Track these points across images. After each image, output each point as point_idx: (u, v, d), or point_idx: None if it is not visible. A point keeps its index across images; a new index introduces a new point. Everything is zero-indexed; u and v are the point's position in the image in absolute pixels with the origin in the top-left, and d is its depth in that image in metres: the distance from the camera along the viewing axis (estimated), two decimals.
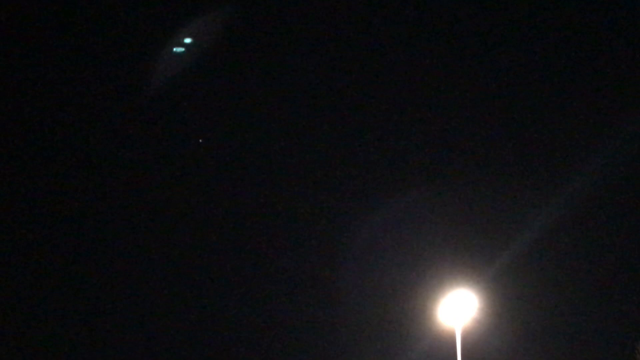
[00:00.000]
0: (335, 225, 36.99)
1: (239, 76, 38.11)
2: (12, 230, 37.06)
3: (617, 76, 37.12)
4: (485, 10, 37.89)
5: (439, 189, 36.42)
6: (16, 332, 34.64)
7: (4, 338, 34.19)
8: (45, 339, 34.91)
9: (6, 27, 37.60)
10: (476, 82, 38.11)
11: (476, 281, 29.06)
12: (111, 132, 38.16)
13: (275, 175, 38.18)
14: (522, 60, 38.04)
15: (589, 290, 34.26)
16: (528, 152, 37.40)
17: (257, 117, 37.94)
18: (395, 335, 33.56)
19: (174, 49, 36.63)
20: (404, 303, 33.29)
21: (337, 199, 37.46)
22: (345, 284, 34.95)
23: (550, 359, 32.28)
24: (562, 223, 35.29)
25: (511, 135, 37.77)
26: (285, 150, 38.22)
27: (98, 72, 38.08)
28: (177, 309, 36.35)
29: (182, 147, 38.17)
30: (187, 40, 36.59)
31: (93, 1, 37.96)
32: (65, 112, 38.27)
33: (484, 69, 38.15)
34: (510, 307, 32.80)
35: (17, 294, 35.79)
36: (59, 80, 38.20)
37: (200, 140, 37.96)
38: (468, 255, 33.60)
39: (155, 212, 37.64)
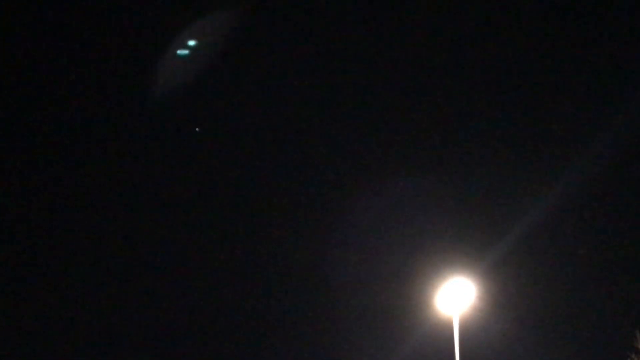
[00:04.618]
0: (331, 214, 37.06)
1: (244, 78, 38.18)
2: (13, 227, 37.31)
3: (612, 69, 37.20)
4: (479, 5, 37.98)
5: (436, 176, 36.47)
6: (16, 332, 34.78)
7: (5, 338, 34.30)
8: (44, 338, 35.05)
9: (7, 29, 37.61)
10: (473, 72, 38.17)
11: (474, 269, 28.99)
12: (114, 133, 38.34)
13: (271, 165, 38.32)
14: (517, 52, 38.08)
15: (588, 277, 34.32)
16: (526, 139, 37.44)
17: (261, 114, 38.12)
18: (393, 324, 33.61)
19: (178, 52, 36.47)
20: (401, 291, 33.30)
21: (333, 187, 37.56)
22: (342, 273, 34.95)
23: (549, 347, 32.32)
24: (560, 211, 35.33)
25: (508, 124, 37.81)
26: (283, 141, 38.38)
27: (101, 73, 38.17)
28: (169, 299, 36.50)
29: (185, 147, 38.39)
30: (191, 43, 36.42)
31: (96, 2, 37.88)
32: (67, 114, 38.39)
33: (480, 60, 38.17)
34: (508, 295, 32.84)
35: (16, 293, 35.97)
36: (61, 82, 38.33)
37: (197, 129, 38.07)
38: (466, 243, 33.63)
39: (151, 208, 37.93)
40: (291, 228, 37.22)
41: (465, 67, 38.09)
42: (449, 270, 27.43)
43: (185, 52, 36.31)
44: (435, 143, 37.55)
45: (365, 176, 37.46)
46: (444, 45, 38.12)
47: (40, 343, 34.68)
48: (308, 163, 38.04)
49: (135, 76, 37.57)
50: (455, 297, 26.40)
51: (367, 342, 33.86)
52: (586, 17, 37.44)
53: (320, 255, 35.96)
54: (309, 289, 35.71)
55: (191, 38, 36.33)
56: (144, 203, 38.10)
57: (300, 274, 36.13)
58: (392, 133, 38.05)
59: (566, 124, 37.08)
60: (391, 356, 33.16)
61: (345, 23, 38.20)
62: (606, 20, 37.23)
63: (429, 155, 37.36)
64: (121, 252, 37.45)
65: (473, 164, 36.77)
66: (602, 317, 33.02)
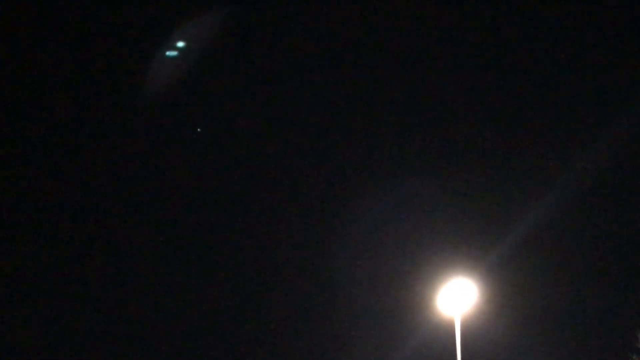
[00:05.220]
0: (332, 215, 37.02)
1: (233, 80, 38.18)
2: (13, 228, 37.32)
3: (613, 70, 37.20)
4: (480, 6, 37.98)
5: (438, 177, 36.45)
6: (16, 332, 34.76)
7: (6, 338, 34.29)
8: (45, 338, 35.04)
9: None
10: (473, 73, 38.17)
11: (475, 269, 28.98)
12: (104, 134, 38.33)
13: (272, 166, 38.31)
14: (518, 53, 38.11)
15: (589, 277, 34.28)
16: (527, 140, 37.41)
17: (253, 116, 38.12)
18: (394, 325, 33.58)
19: (167, 53, 36.46)
20: (402, 292, 33.30)
21: (334, 189, 37.53)
22: (343, 274, 34.93)
23: (550, 347, 32.29)
24: (561, 211, 35.30)
25: (509, 125, 37.79)
26: (282, 142, 38.37)
27: (90, 75, 38.12)
28: (170, 298, 36.48)
29: (176, 149, 38.38)
30: (180, 45, 36.42)
31: (84, 5, 37.87)
32: (56, 115, 38.36)
33: (480, 62, 38.19)
34: (509, 296, 32.79)
35: (17, 293, 35.97)
36: (50, 84, 38.30)
37: (199, 130, 38.12)
38: (467, 244, 33.61)
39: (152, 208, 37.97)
40: (292, 229, 37.23)
41: (465, 69, 38.12)
42: (451, 270, 27.39)
43: (174, 53, 36.36)
44: (437, 144, 37.56)
45: (366, 177, 37.50)
46: (444, 47, 38.15)
47: (40, 343, 34.79)
48: (309, 164, 38.08)
49: (125, 78, 37.67)
50: (456, 297, 26.35)
51: (368, 343, 33.86)
52: (586, 18, 37.47)
53: (321, 256, 36.00)
54: (310, 290, 35.73)
55: (180, 39, 36.39)
56: (144, 204, 38.21)
57: (302, 274, 36.15)
58: (394, 134, 38.07)
59: (567, 125, 37.10)
60: (393, 357, 33.17)
61: (342, 23, 38.18)
62: (606, 21, 37.26)
63: (430, 156, 37.37)
64: (122, 252, 37.55)
65: (474, 165, 36.78)
66: (603, 317, 33.01)
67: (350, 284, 34.78)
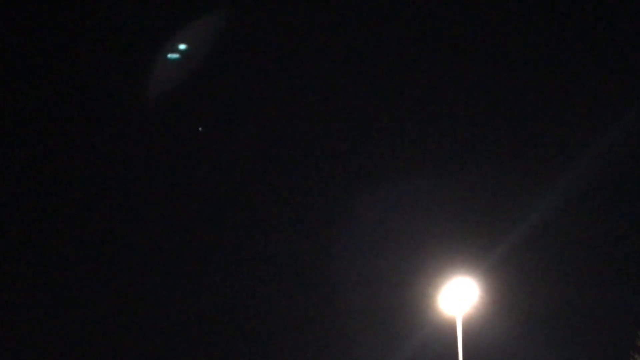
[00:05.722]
0: (334, 214, 37.06)
1: (234, 81, 38.23)
2: (14, 228, 37.34)
3: (612, 73, 37.30)
4: (480, 10, 38.05)
5: (439, 177, 36.49)
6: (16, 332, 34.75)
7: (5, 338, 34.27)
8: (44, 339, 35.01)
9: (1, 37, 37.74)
10: (473, 75, 38.23)
11: (477, 269, 28.97)
12: (107, 134, 38.38)
13: (274, 167, 38.37)
14: (518, 56, 38.19)
15: (590, 277, 34.32)
16: (528, 141, 37.47)
17: (253, 117, 38.18)
18: (396, 324, 33.58)
19: (169, 56, 36.51)
20: (404, 291, 33.29)
21: (336, 187, 37.57)
22: (345, 273, 34.94)
23: (552, 346, 32.30)
24: (562, 211, 35.35)
25: (511, 123, 37.85)
26: (283, 142, 38.39)
27: (93, 76, 38.16)
28: (171, 298, 36.50)
29: (177, 148, 38.43)
30: (182, 47, 36.49)
31: (87, 7, 37.92)
32: (60, 115, 38.40)
33: (480, 65, 38.25)
34: (511, 295, 32.80)
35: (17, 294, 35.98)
36: (53, 85, 38.34)
37: (200, 129, 38.19)
38: (468, 243, 33.61)
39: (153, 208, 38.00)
40: (294, 228, 37.27)
41: (466, 69, 38.18)
42: (452, 270, 27.40)
43: (176, 55, 36.41)
44: (438, 145, 37.63)
45: (368, 177, 37.53)
46: (445, 50, 38.23)
47: (40, 343, 34.77)
48: (310, 164, 38.12)
49: (128, 79, 37.74)
50: (458, 296, 26.38)
51: (370, 342, 33.84)
52: (586, 18, 37.55)
53: (323, 256, 36.00)
54: (312, 289, 35.74)
55: (181, 42, 36.43)
56: (146, 202, 38.27)
57: (303, 274, 36.17)
58: (394, 135, 38.11)
59: (566, 126, 37.18)
60: (394, 356, 33.17)
61: (342, 25, 38.25)
62: (605, 24, 37.36)
63: (431, 157, 37.43)
64: (124, 252, 37.57)
65: (476, 165, 36.84)
66: (604, 316, 33.07)
67: (351, 284, 34.82)
